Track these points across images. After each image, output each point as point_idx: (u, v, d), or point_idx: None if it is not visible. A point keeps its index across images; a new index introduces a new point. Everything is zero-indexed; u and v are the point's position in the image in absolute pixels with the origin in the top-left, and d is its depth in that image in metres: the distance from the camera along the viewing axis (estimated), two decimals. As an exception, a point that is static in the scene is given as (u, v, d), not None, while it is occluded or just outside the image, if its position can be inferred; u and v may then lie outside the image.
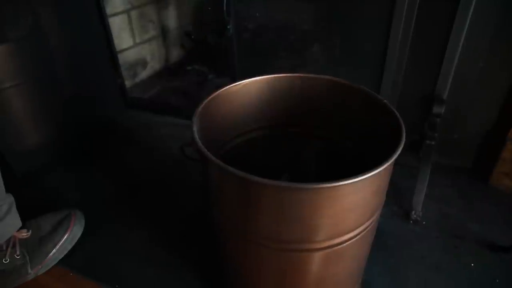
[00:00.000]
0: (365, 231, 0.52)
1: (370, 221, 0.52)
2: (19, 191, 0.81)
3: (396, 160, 0.49)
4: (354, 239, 0.51)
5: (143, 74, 1.43)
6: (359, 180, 0.43)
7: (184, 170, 1.04)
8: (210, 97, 0.60)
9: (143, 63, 1.42)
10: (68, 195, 0.99)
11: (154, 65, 1.42)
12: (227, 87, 0.63)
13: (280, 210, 0.46)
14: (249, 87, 0.67)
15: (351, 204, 0.46)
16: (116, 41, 1.26)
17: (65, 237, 0.80)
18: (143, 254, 0.83)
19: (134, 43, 1.37)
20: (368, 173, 0.44)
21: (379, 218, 0.57)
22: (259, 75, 0.67)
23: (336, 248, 0.50)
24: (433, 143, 0.91)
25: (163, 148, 1.02)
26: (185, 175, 1.02)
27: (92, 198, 0.98)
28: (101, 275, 0.78)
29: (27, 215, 0.82)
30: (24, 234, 0.78)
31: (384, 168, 0.46)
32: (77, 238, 0.82)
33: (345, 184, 0.43)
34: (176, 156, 1.09)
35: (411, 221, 0.88)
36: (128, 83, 1.38)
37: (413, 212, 0.88)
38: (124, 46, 1.35)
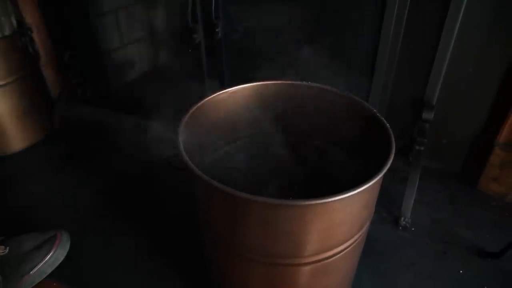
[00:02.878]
0: (354, 244, 0.51)
1: (359, 234, 0.51)
2: (2, 195, 0.79)
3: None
4: (343, 252, 0.50)
5: (131, 76, 1.41)
6: (348, 196, 0.42)
7: (172, 176, 1.02)
8: (196, 106, 0.59)
9: (131, 65, 1.40)
10: (54, 200, 0.97)
11: (141, 67, 1.40)
12: (214, 95, 0.62)
13: (267, 225, 0.45)
14: (236, 95, 0.65)
15: (340, 219, 0.46)
16: (103, 42, 1.24)
17: (45, 259, 0.75)
18: (131, 262, 0.81)
19: (121, 43, 1.35)
20: (357, 188, 0.43)
21: (368, 228, 0.56)
22: (247, 82, 0.66)
23: (324, 262, 0.49)
24: (422, 148, 0.91)
25: (151, 153, 1.00)
26: (173, 182, 1.00)
27: (78, 203, 0.96)
28: (87, 284, 0.77)
29: (10, 221, 0.80)
30: (0, 251, 0.74)
31: (374, 182, 0.45)
32: (58, 262, 0.77)
33: (333, 201, 0.41)
34: (164, 162, 1.07)
35: (400, 227, 0.88)
36: (115, 85, 1.35)
37: (402, 218, 0.88)
38: (112, 46, 1.32)
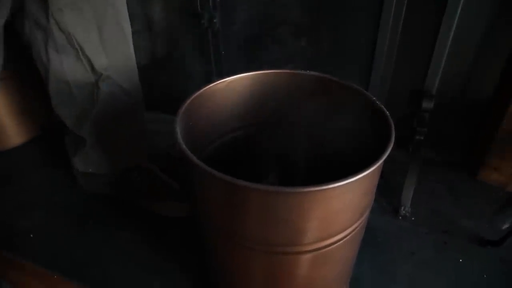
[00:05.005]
0: (354, 232, 0.51)
1: (359, 222, 0.51)
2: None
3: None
4: (343, 240, 0.50)
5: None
6: (347, 183, 0.42)
7: (171, 166, 1.02)
8: (193, 96, 0.58)
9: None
10: (51, 195, 0.97)
11: (139, 58, 1.39)
12: (212, 84, 0.62)
13: (267, 213, 0.45)
14: (234, 84, 0.65)
15: (339, 206, 0.45)
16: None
17: None
18: (131, 255, 0.81)
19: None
20: (356, 175, 0.42)
21: (368, 216, 0.56)
22: (245, 71, 0.66)
23: (324, 250, 0.49)
24: (422, 138, 0.90)
25: (150, 145, 1.00)
26: (172, 174, 1.00)
27: (76, 197, 0.97)
28: (86, 276, 0.77)
29: (5, 217, 0.79)
30: None
31: (374, 169, 0.45)
32: None
33: (333, 187, 0.41)
34: (162, 153, 1.07)
35: (400, 217, 0.88)
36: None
37: (402, 208, 0.88)
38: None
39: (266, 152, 0.72)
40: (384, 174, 0.97)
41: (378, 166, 0.46)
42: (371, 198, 0.54)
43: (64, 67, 0.79)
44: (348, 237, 0.50)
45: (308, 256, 0.49)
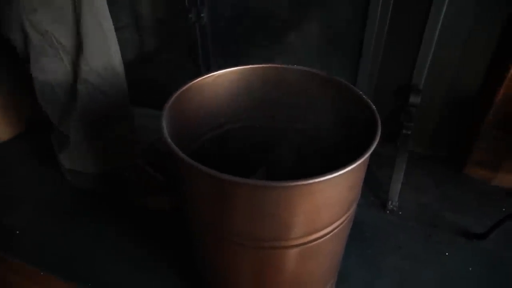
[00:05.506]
0: (341, 226, 0.51)
1: (346, 215, 0.51)
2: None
3: (372, 150, 0.48)
4: (330, 234, 0.50)
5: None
6: (334, 177, 0.42)
7: (158, 163, 1.01)
8: (180, 90, 0.58)
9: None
10: (38, 191, 0.96)
11: (126, 53, 1.38)
12: (199, 79, 0.61)
13: (254, 208, 0.45)
14: (222, 79, 0.65)
15: (326, 200, 0.45)
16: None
17: None
18: (118, 251, 0.80)
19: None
20: (343, 168, 0.42)
21: (355, 210, 0.56)
22: (233, 66, 0.65)
23: (311, 244, 0.49)
24: (409, 132, 0.91)
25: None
26: (159, 168, 0.99)
27: (63, 192, 0.95)
28: (73, 273, 0.76)
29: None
30: None
31: (360, 163, 0.45)
32: None
33: (318, 181, 0.41)
34: (149, 148, 1.06)
35: (388, 211, 0.89)
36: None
37: (389, 202, 0.89)
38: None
39: (254, 146, 0.72)
40: (371, 169, 0.98)
41: (363, 161, 0.46)
42: (358, 192, 0.54)
43: (44, 68, 0.78)
44: (335, 231, 0.50)
45: (295, 250, 0.49)
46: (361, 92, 0.57)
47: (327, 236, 0.50)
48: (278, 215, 0.45)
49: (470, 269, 0.76)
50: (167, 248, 0.80)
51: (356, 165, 0.44)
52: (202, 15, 1.01)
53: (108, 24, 0.78)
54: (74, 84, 0.80)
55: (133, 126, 0.93)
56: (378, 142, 0.48)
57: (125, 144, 0.91)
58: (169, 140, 0.46)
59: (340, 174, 0.42)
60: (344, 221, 0.51)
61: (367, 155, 0.46)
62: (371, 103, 0.55)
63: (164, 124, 0.50)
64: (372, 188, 0.95)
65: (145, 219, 0.88)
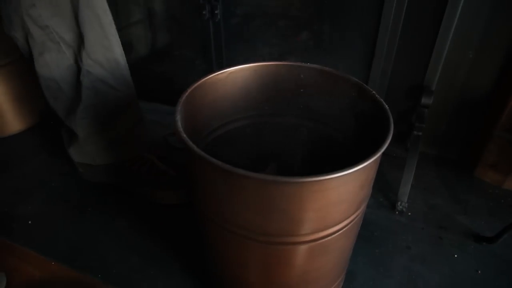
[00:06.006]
0: (351, 224, 0.51)
1: (356, 213, 0.51)
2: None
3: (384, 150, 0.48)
4: (340, 232, 0.50)
5: (128, 59, 1.40)
6: (346, 174, 0.42)
7: (169, 158, 1.02)
8: (194, 86, 0.58)
9: (128, 47, 1.38)
10: (49, 182, 0.98)
11: (139, 49, 1.39)
12: (213, 75, 0.61)
13: (264, 203, 0.45)
14: (235, 75, 0.65)
15: (337, 197, 0.46)
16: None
17: None
18: (128, 243, 0.81)
19: (119, 26, 1.33)
20: (355, 166, 0.43)
21: (365, 209, 0.56)
22: (246, 63, 0.66)
23: (321, 241, 0.50)
24: (420, 133, 0.91)
25: (148, 135, 1.00)
26: (169, 162, 1.00)
27: (74, 184, 0.97)
28: (84, 264, 0.77)
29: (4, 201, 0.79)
30: None
31: (372, 161, 0.45)
32: None
33: (331, 178, 0.41)
34: (160, 142, 1.07)
35: (397, 212, 0.88)
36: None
37: (399, 203, 0.88)
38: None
39: (266, 143, 0.72)
40: (381, 169, 0.98)
41: (375, 159, 0.46)
42: (368, 191, 0.54)
43: (48, 63, 0.78)
44: (344, 229, 0.51)
45: (304, 247, 0.50)
46: (373, 91, 0.57)
47: (337, 233, 0.50)
48: (288, 211, 0.45)
49: (479, 272, 0.75)
50: (175, 241, 0.81)
51: (368, 163, 0.44)
52: (216, 12, 1.02)
53: (106, 17, 0.79)
54: (78, 78, 0.80)
55: (140, 117, 0.94)
56: (389, 142, 0.48)
57: (131, 135, 0.92)
58: (183, 134, 0.47)
59: (351, 172, 0.42)
60: (354, 219, 0.51)
61: (379, 154, 0.46)
62: (384, 103, 0.55)
63: (179, 118, 0.50)
64: (382, 188, 0.95)
65: (154, 213, 0.88)
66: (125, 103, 0.88)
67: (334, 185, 0.44)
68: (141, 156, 0.93)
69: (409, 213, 0.88)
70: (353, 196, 0.48)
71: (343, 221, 0.50)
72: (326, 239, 0.50)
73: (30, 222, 0.86)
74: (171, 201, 0.89)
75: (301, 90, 0.67)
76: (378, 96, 0.56)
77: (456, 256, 0.79)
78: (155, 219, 0.87)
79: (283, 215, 0.46)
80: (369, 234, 0.83)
